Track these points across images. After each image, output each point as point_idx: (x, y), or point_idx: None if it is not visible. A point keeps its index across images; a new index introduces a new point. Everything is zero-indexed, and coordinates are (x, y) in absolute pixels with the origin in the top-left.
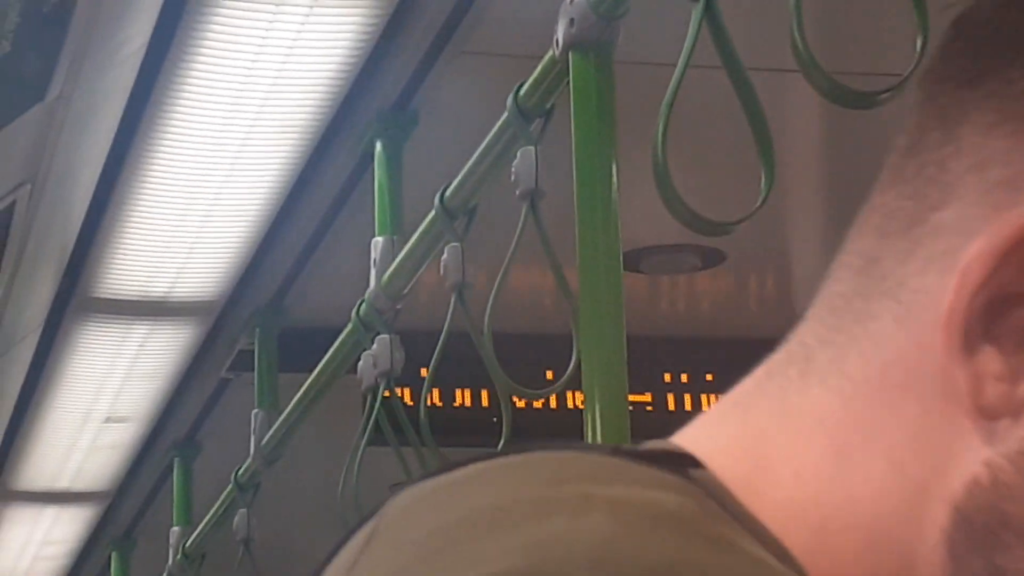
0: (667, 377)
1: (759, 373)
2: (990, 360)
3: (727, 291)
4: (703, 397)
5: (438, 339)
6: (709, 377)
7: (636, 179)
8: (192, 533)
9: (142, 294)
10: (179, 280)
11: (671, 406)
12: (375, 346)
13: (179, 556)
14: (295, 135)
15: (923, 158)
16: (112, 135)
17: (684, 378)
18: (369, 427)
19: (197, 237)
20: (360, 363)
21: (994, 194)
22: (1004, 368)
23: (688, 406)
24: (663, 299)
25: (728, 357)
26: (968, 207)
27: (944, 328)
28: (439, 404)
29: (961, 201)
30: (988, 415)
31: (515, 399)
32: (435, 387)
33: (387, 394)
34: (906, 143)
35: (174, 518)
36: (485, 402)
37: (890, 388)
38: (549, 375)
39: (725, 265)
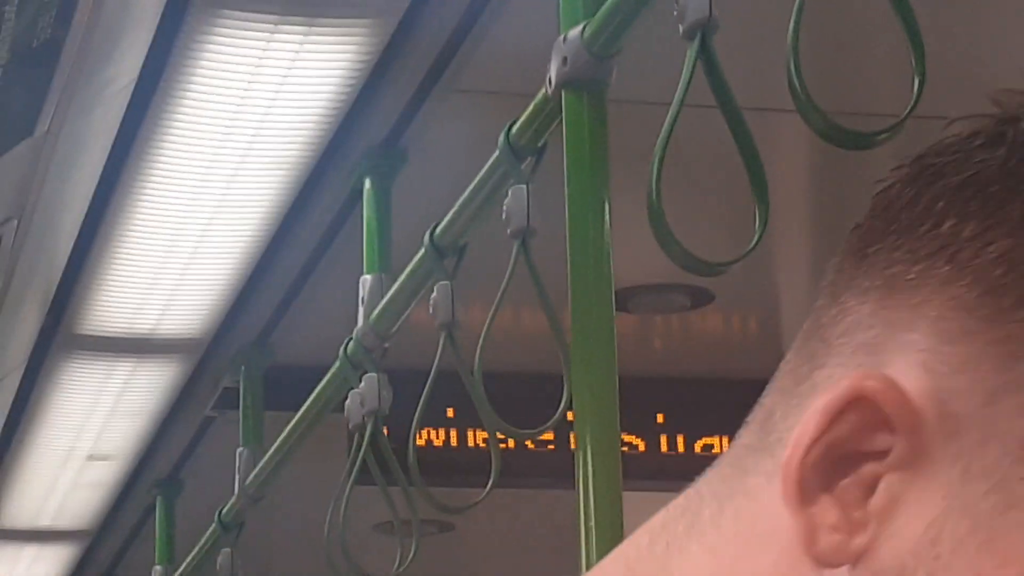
0: (659, 418)
1: (655, 523)
2: (826, 511)
3: (716, 331)
4: (681, 437)
5: (427, 378)
6: (697, 417)
7: (625, 218)
8: (175, 573)
9: (127, 331)
10: (164, 317)
11: (663, 447)
12: (362, 384)
13: None
14: (283, 172)
15: (818, 320)
16: (99, 171)
17: (671, 419)
18: (356, 466)
19: (183, 274)
20: (347, 401)
21: (856, 355)
22: (840, 520)
23: (680, 448)
24: (651, 339)
25: (716, 396)
26: (836, 367)
27: (782, 479)
28: (428, 443)
29: (834, 360)
30: (824, 563)
31: (505, 439)
32: (424, 426)
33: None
34: (815, 306)
35: (156, 557)
36: (474, 442)
37: (754, 541)
38: (539, 415)
39: (714, 305)
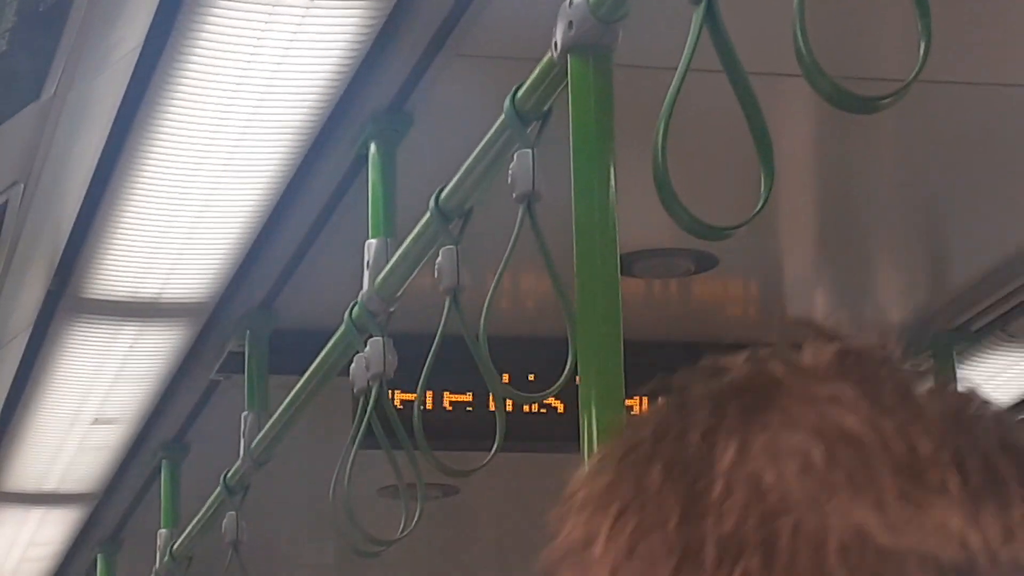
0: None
1: None
2: None
3: (720, 295)
4: None
5: (432, 342)
6: None
7: (629, 183)
8: (180, 536)
9: (132, 295)
10: (170, 281)
11: None
12: (368, 348)
13: (166, 559)
14: (289, 136)
15: None
16: (105, 135)
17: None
18: (361, 430)
19: (188, 238)
20: (352, 365)
21: None
22: None
23: None
24: (655, 303)
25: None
26: None
27: None
28: (432, 407)
29: None
30: None
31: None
32: (428, 390)
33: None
34: None
35: (162, 520)
36: (478, 406)
37: None
38: (545, 378)
39: (718, 269)
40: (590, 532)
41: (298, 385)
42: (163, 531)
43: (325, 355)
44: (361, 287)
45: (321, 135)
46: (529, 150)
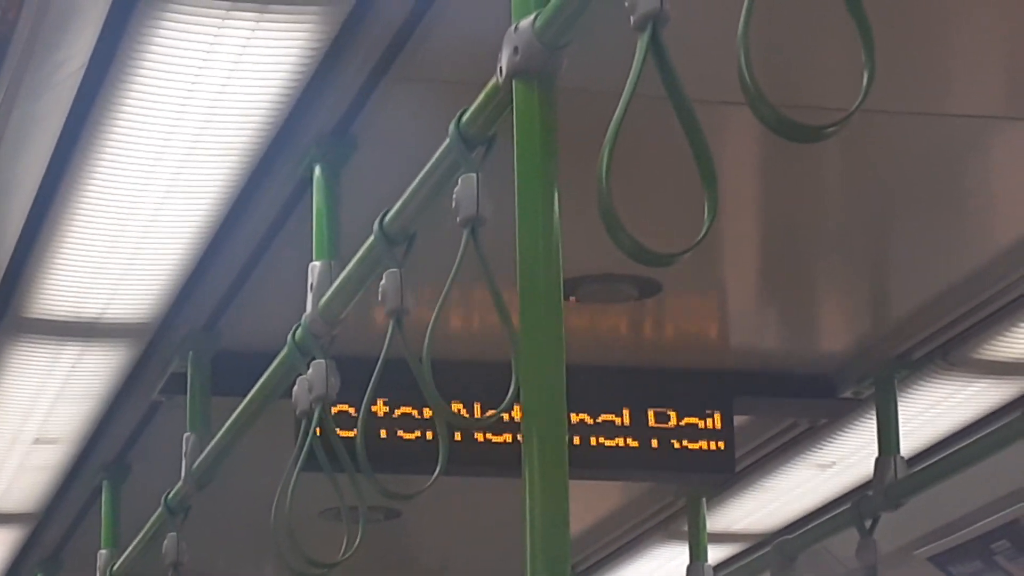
0: (604, 406)
1: None
2: None
3: (663, 321)
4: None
5: (375, 365)
6: (645, 407)
7: (573, 208)
8: (120, 557)
9: (75, 315)
10: (112, 302)
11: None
12: (310, 371)
13: None
14: (234, 158)
15: None
16: (49, 155)
17: (619, 407)
18: (303, 452)
19: (132, 259)
20: (295, 387)
21: None
22: None
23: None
24: (599, 328)
25: (662, 387)
26: None
27: None
28: (374, 431)
29: None
30: None
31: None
32: (371, 414)
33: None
34: None
35: (102, 541)
36: (421, 430)
37: None
38: (488, 402)
39: (661, 295)
40: None
41: (240, 407)
42: (103, 552)
43: (268, 377)
44: (305, 309)
45: (266, 157)
46: (474, 174)
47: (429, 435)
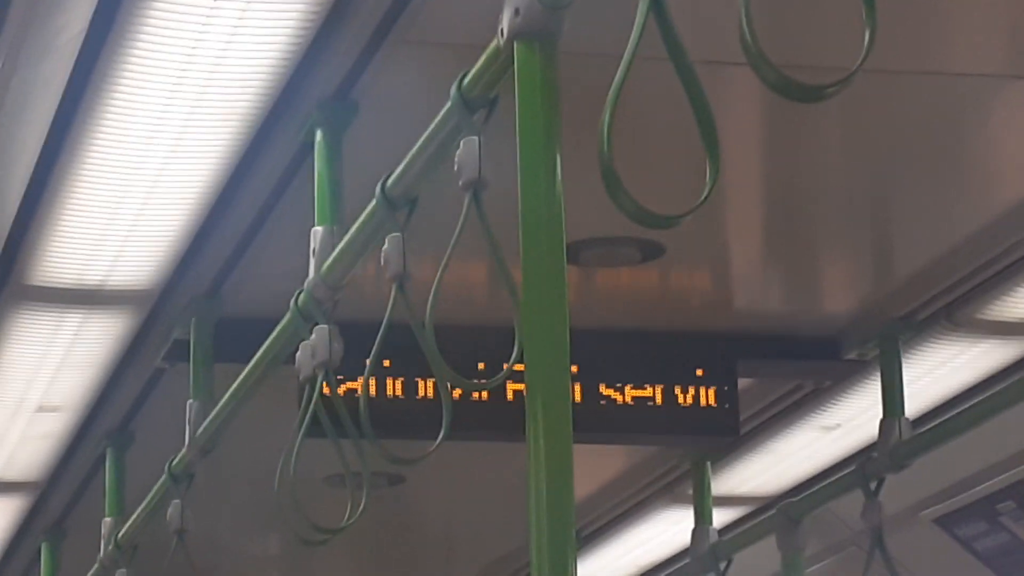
0: (608, 370)
1: None
2: None
3: (666, 284)
4: (638, 391)
5: (378, 330)
6: (646, 370)
7: (575, 170)
8: (124, 524)
9: (77, 282)
10: (115, 268)
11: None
12: (313, 336)
13: (111, 547)
14: (234, 123)
15: None
16: (50, 121)
17: (618, 371)
18: (306, 418)
19: (133, 225)
20: (298, 353)
21: None
22: None
23: (628, 399)
24: (602, 291)
25: (665, 350)
26: None
27: None
28: (378, 395)
29: None
30: None
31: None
32: (374, 378)
33: (326, 388)
34: None
35: (106, 509)
36: (425, 394)
37: None
38: (491, 367)
39: (664, 258)
40: None
41: (243, 373)
42: (108, 520)
43: (271, 343)
44: (307, 275)
45: (267, 122)
46: (475, 137)
47: (432, 399)
